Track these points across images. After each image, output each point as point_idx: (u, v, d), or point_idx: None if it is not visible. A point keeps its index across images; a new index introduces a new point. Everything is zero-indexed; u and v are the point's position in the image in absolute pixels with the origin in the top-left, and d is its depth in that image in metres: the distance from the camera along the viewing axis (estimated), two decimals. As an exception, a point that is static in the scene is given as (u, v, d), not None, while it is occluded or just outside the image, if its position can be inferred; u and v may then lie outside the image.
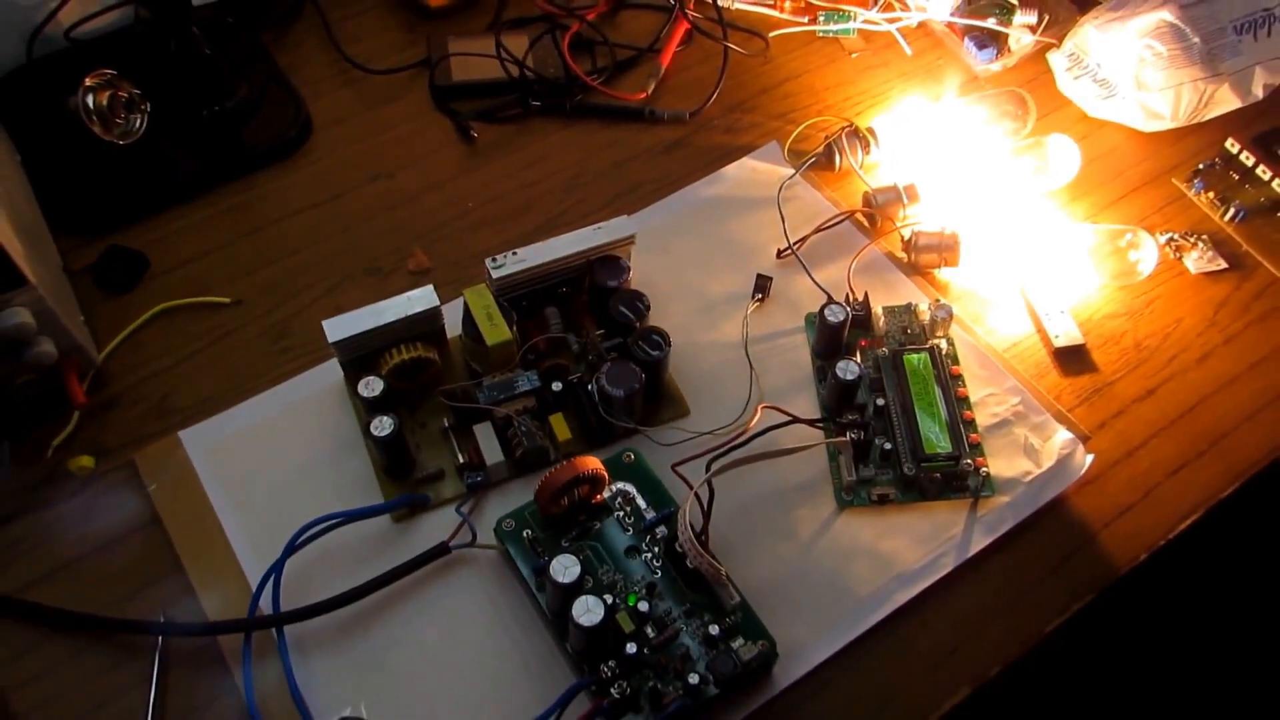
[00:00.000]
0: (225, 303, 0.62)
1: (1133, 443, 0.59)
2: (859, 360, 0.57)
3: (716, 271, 0.64)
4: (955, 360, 0.60)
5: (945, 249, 0.63)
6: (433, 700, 0.48)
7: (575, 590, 0.45)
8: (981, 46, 0.76)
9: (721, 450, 0.50)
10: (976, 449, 0.56)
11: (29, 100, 0.68)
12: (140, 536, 0.53)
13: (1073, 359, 0.62)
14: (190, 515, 0.54)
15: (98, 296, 0.62)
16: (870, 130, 0.69)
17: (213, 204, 0.67)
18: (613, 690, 0.45)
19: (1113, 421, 0.59)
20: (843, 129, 0.69)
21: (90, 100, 0.64)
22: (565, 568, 0.45)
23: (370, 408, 0.54)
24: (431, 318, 0.56)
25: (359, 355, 0.56)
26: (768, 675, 0.49)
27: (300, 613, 0.49)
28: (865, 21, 0.77)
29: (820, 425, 0.55)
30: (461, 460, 0.55)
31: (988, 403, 0.59)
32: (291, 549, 0.50)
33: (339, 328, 0.54)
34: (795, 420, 0.54)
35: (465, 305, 0.56)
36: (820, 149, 0.69)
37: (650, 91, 0.74)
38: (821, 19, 0.78)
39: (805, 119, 0.71)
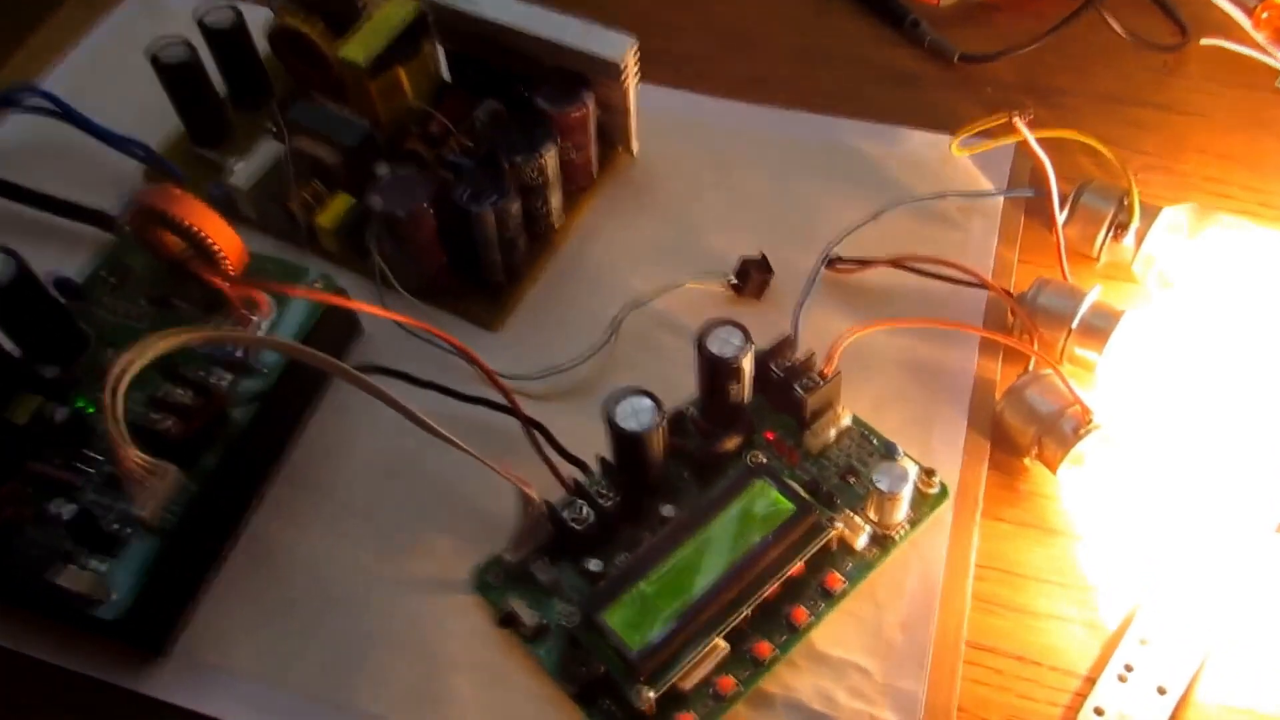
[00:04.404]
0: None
1: None
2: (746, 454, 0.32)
3: (737, 224, 0.40)
4: (854, 574, 0.31)
5: (1050, 433, 0.33)
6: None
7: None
8: None
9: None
10: (699, 700, 0.28)
11: None
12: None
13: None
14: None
15: None
16: (1153, 209, 0.37)
17: None
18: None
19: None
20: (1094, 181, 0.38)
21: None
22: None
23: (212, 40, 0.42)
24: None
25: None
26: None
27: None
28: (1367, 100, 0.41)
29: (546, 452, 0.32)
30: (234, 164, 0.41)
31: (846, 675, 0.30)
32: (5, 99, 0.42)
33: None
34: (513, 413, 0.32)
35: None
36: (1067, 191, 0.39)
37: (944, 3, 0.48)
38: (1302, 64, 0.44)
39: (1103, 155, 0.40)
